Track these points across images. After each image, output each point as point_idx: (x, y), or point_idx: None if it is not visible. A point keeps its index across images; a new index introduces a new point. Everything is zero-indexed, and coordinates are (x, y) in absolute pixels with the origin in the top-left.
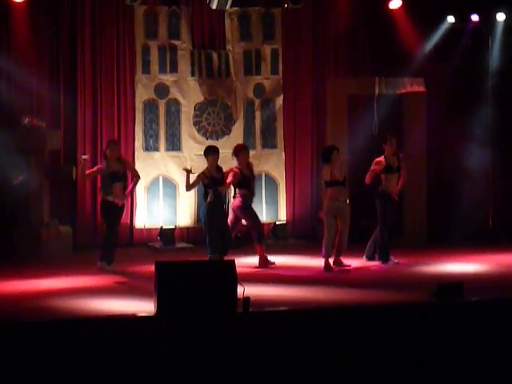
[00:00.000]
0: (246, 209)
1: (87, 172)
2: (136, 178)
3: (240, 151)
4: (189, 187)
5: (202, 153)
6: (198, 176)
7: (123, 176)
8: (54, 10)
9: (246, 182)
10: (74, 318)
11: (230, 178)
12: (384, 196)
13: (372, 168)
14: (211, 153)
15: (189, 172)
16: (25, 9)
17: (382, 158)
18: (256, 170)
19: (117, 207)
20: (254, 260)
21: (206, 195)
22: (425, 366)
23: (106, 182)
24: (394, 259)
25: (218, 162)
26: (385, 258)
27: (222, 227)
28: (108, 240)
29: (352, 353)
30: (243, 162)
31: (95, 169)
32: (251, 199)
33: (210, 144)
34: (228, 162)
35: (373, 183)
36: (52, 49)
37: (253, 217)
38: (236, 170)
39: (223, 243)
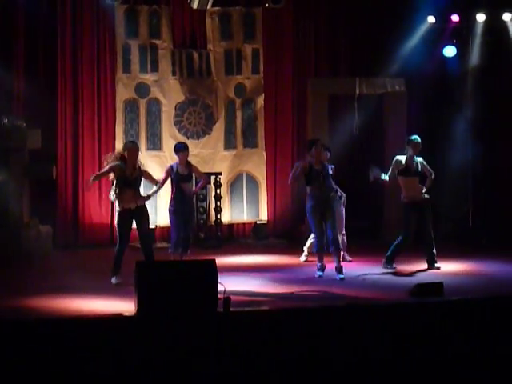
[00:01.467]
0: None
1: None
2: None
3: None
4: (160, 184)
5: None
6: (166, 172)
7: (136, 182)
8: (35, 9)
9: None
10: (54, 318)
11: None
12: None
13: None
14: (181, 150)
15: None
16: (4, 8)
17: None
18: (237, 169)
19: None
20: (234, 259)
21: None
22: (403, 364)
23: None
24: (394, 265)
25: (191, 160)
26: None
27: (183, 224)
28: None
29: (332, 352)
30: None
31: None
32: None
33: (191, 143)
34: (209, 161)
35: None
36: (32, 48)
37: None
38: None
39: (183, 241)
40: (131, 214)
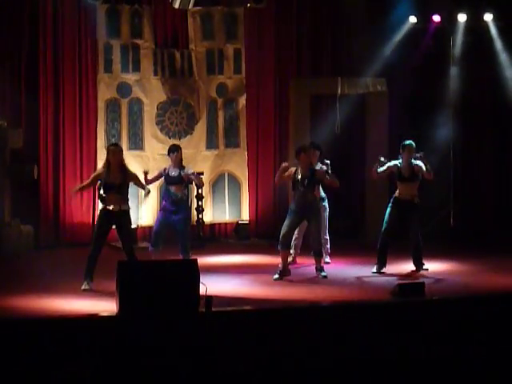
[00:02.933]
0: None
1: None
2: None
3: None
4: (148, 182)
5: (166, 152)
6: (159, 172)
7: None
8: (15, 9)
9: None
10: (35, 318)
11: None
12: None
13: None
14: (173, 151)
15: (146, 174)
16: None
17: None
18: (219, 169)
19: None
20: (215, 259)
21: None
22: (384, 364)
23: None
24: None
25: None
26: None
27: (175, 225)
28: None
29: (314, 351)
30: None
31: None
32: None
33: (173, 143)
34: (191, 161)
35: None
36: (13, 47)
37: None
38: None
39: (182, 247)
40: (112, 217)
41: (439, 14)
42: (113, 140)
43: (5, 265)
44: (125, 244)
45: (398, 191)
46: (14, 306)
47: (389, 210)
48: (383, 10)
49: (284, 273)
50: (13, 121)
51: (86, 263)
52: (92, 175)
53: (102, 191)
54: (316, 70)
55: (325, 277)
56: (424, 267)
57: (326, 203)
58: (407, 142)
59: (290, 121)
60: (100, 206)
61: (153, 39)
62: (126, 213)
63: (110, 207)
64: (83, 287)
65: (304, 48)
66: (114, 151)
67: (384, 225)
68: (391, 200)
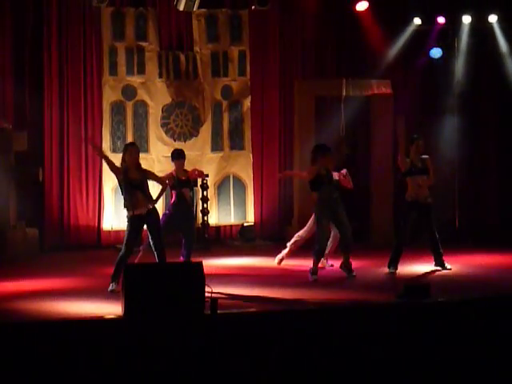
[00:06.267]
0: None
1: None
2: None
3: None
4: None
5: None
6: (167, 175)
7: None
8: (20, 11)
9: None
10: (41, 321)
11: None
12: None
13: None
14: (179, 157)
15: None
16: None
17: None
18: (224, 171)
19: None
20: (221, 261)
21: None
22: (389, 366)
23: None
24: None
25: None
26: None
27: (183, 228)
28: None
29: (319, 353)
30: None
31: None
32: None
33: (178, 146)
34: (196, 163)
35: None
36: (18, 50)
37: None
38: None
39: (186, 247)
40: (142, 220)
41: (444, 16)
42: (118, 143)
43: (10, 267)
44: (154, 241)
45: (410, 190)
46: (19, 309)
47: (405, 214)
48: (388, 11)
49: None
50: (17, 123)
51: (116, 265)
52: (118, 165)
53: (125, 196)
54: (320, 72)
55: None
56: (447, 266)
57: None
58: (415, 135)
59: (295, 122)
60: (127, 212)
61: (158, 42)
62: (155, 211)
63: (138, 212)
64: (110, 288)
65: (308, 50)
66: (132, 151)
67: (400, 233)
68: (407, 204)
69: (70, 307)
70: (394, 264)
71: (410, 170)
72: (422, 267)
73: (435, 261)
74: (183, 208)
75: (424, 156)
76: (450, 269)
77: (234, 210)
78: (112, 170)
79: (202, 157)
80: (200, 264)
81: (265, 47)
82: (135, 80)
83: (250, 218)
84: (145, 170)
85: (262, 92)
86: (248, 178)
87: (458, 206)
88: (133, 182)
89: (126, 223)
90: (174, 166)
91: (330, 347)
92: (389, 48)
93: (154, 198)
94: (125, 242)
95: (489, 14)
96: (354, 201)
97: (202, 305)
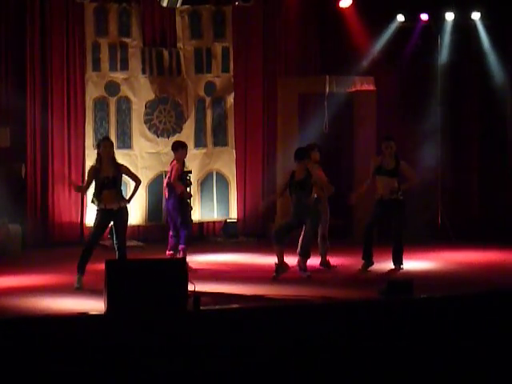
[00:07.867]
0: None
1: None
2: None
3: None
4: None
5: (155, 150)
6: (177, 168)
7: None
8: (2, 7)
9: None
10: (23, 317)
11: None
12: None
13: None
14: (180, 148)
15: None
16: None
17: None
18: (207, 168)
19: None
20: (204, 258)
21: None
22: (373, 363)
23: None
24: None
25: (161, 158)
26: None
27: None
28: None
29: (302, 350)
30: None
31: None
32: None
33: (161, 142)
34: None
35: None
36: (0, 46)
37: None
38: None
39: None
40: (111, 215)
41: (427, 13)
42: None
43: None
44: (118, 239)
45: (376, 190)
46: (1, 306)
47: (373, 210)
48: (370, 7)
49: (280, 269)
50: (0, 120)
51: (81, 257)
52: (87, 173)
53: (94, 192)
54: (304, 69)
55: (309, 276)
56: (401, 266)
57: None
58: (387, 135)
59: (278, 119)
60: (96, 206)
61: (141, 38)
62: (125, 210)
63: (109, 206)
64: (76, 286)
65: (292, 46)
66: (105, 145)
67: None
68: (375, 201)
69: (53, 304)
70: (367, 257)
71: (379, 169)
72: (403, 264)
73: (392, 258)
74: (185, 201)
75: (402, 162)
76: (403, 268)
77: (217, 207)
78: (94, 175)
79: None
80: (183, 260)
81: (248, 44)
82: (118, 76)
83: (233, 215)
84: (120, 165)
85: (245, 88)
86: (231, 174)
87: (441, 202)
88: (105, 181)
89: (95, 216)
90: (180, 156)
91: (313, 344)
92: (372, 45)
93: (128, 197)
94: (91, 234)
95: (472, 11)
96: (337, 198)
97: (184, 301)
